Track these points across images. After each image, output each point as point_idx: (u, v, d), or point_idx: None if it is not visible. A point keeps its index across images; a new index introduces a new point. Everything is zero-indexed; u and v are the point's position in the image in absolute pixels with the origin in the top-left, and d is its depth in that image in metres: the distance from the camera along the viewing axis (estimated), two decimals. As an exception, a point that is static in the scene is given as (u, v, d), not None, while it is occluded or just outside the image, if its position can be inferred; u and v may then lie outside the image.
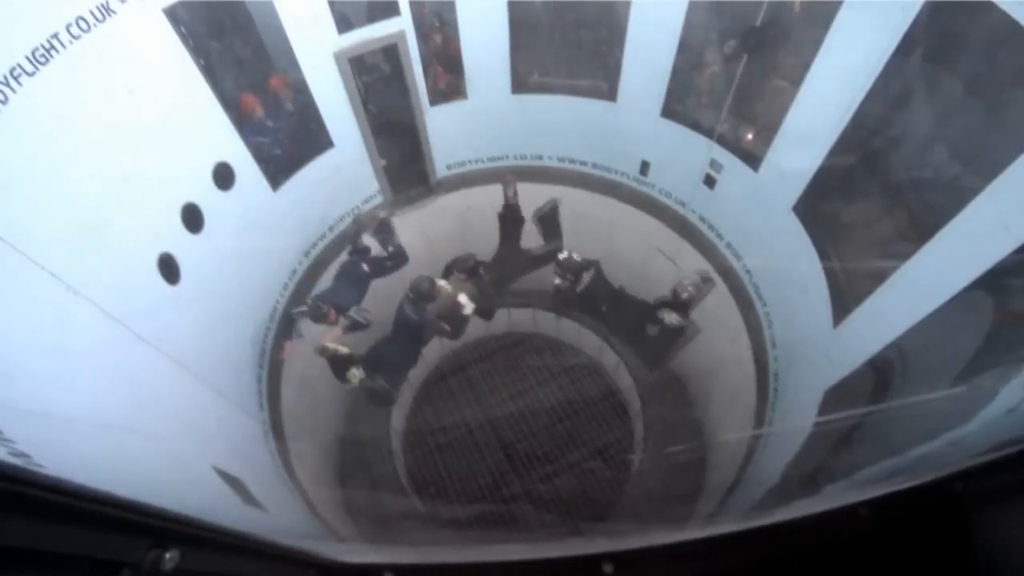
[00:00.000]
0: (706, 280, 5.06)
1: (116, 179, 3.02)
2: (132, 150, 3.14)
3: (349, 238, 5.11)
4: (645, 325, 5.10)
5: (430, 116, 5.29)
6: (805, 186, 3.99)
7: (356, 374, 4.49)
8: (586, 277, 4.82)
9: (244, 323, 4.39)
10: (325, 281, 5.29)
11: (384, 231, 5.03)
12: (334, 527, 4.29)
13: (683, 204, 5.32)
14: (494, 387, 7.03)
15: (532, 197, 6.05)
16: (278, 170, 4.55)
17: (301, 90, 4.48)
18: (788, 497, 3.77)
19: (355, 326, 4.43)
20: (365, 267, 4.83)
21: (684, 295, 4.82)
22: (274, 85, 4.46)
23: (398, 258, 5.06)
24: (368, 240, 5.07)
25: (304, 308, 4.62)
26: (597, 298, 5.05)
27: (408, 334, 4.61)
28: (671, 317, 4.87)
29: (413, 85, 4.98)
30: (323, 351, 4.41)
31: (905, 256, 3.28)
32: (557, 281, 5.01)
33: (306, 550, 1.35)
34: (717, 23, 4.42)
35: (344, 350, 4.43)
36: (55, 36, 2.61)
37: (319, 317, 4.42)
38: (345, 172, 5.12)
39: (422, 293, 4.39)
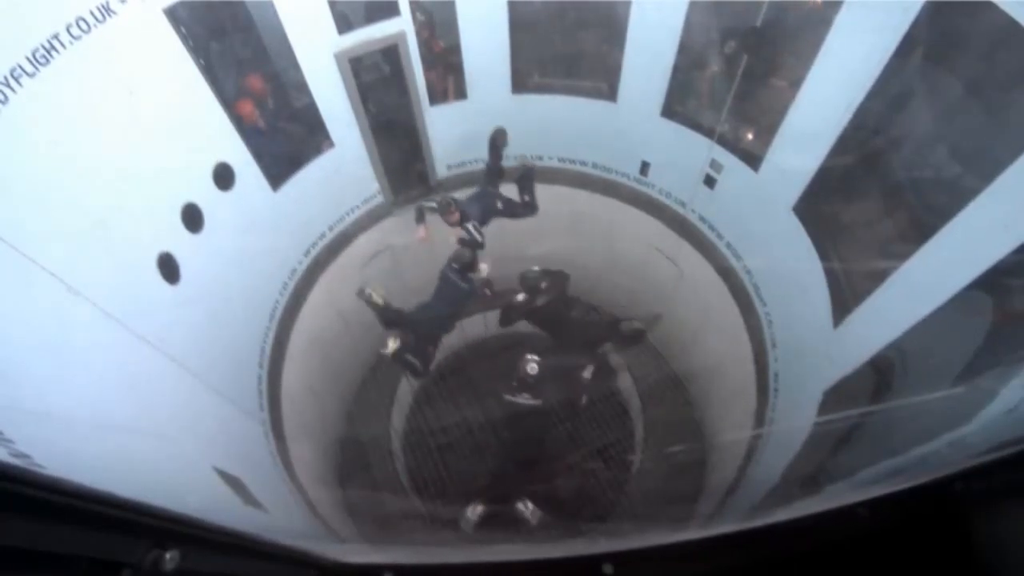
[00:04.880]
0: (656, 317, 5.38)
1: (116, 179, 3.02)
2: (132, 150, 3.14)
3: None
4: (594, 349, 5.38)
5: (430, 116, 5.29)
6: (805, 186, 3.98)
7: (391, 344, 4.74)
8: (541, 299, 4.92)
9: (244, 323, 4.39)
10: (324, 280, 5.32)
11: (526, 182, 5.31)
12: (334, 527, 4.29)
13: (683, 204, 5.32)
14: (494, 387, 7.00)
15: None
16: (278, 170, 4.55)
17: (301, 90, 4.47)
18: (788, 497, 3.77)
19: (469, 239, 4.82)
20: (499, 204, 5.14)
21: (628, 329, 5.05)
22: (253, 85, 4.38)
23: (529, 208, 5.35)
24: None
25: (435, 202, 4.95)
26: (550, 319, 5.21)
27: (450, 301, 4.86)
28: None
29: (413, 85, 4.98)
30: (361, 294, 4.79)
31: (905, 256, 3.28)
32: (520, 297, 5.05)
33: (306, 550, 1.35)
34: (717, 23, 4.42)
35: (379, 300, 4.76)
36: (55, 37, 2.61)
37: (444, 210, 4.79)
38: (345, 172, 5.12)
39: (465, 262, 4.72)
